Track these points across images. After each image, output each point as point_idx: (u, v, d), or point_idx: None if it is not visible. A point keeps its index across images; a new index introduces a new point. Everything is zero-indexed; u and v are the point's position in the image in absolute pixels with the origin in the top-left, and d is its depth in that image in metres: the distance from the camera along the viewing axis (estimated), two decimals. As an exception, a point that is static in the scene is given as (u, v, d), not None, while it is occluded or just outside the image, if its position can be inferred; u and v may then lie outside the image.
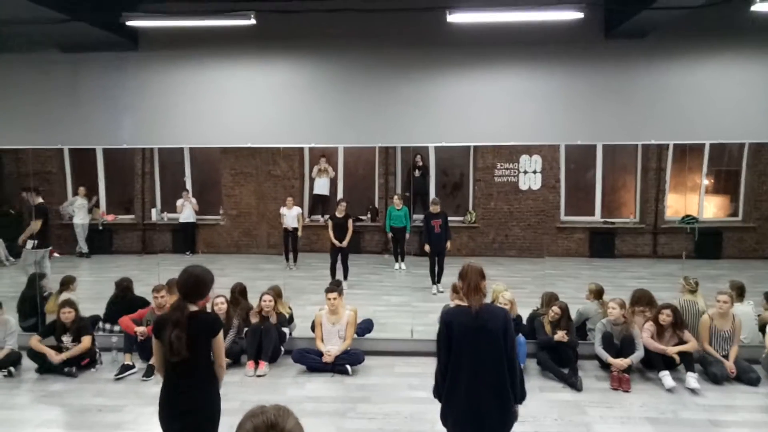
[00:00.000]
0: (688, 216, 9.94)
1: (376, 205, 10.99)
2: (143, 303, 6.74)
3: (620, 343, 5.87)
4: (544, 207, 11.00)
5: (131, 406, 5.30)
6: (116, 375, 5.95)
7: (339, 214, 9.05)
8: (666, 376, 5.60)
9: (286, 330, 6.48)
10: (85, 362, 6.11)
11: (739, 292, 6.35)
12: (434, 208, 8.80)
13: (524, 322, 6.54)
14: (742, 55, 6.42)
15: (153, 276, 6.91)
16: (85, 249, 9.93)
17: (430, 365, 6.07)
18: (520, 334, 6.05)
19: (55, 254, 8.90)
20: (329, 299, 6.20)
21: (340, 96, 6.74)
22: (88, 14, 5.85)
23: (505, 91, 6.62)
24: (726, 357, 5.83)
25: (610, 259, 10.27)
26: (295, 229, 9.62)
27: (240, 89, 6.77)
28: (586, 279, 7.15)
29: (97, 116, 6.85)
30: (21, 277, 7.64)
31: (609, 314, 5.97)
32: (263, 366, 6.05)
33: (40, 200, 7.87)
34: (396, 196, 9.81)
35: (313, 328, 6.43)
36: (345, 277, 8.85)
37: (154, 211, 10.33)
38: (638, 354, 5.78)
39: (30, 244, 7.57)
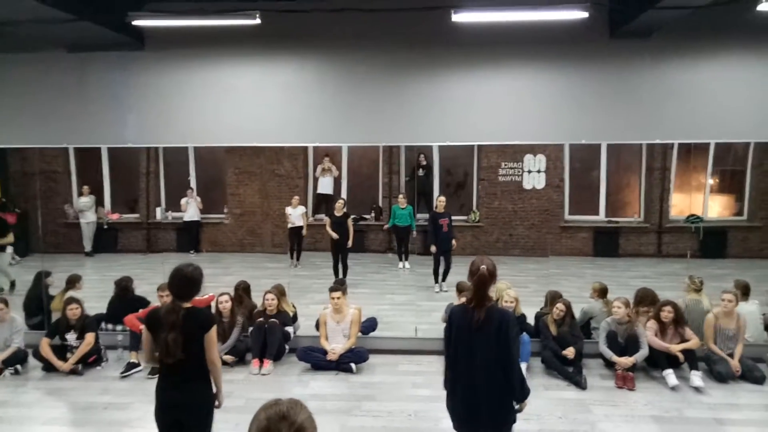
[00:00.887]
0: (692, 215, 9.92)
1: (380, 204, 11.00)
2: (143, 302, 6.77)
3: (625, 342, 5.87)
4: (548, 206, 10.98)
5: (137, 404, 5.32)
6: (122, 373, 5.98)
7: (338, 213, 9.07)
8: (670, 375, 5.60)
9: (290, 329, 6.50)
10: (92, 360, 6.14)
11: (743, 291, 6.34)
12: (440, 207, 8.79)
13: (528, 320, 6.55)
14: (747, 55, 6.42)
15: (158, 275, 6.94)
16: (88, 248, 9.97)
17: (434, 363, 6.13)
18: (524, 333, 6.07)
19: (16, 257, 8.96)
20: (333, 299, 6.22)
21: (345, 95, 6.76)
22: (94, 14, 5.88)
23: (509, 90, 6.63)
24: (731, 356, 5.83)
25: (615, 259, 10.25)
26: (300, 228, 9.66)
27: (245, 89, 6.80)
28: (590, 278, 7.15)
29: (103, 116, 6.89)
30: (27, 275, 7.68)
31: (614, 313, 5.97)
32: (268, 364, 6.07)
33: None
34: (401, 195, 9.82)
35: (317, 327, 6.45)
36: (344, 275, 8.87)
37: (158, 210, 10.36)
38: (643, 352, 5.78)
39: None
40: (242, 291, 6.83)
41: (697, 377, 5.56)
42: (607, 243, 10.45)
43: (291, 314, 6.71)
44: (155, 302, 6.54)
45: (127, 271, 7.47)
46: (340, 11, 6.17)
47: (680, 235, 10.04)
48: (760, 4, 5.34)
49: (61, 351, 6.09)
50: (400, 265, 9.96)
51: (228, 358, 6.09)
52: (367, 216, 10.87)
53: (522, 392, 3.40)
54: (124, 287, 6.91)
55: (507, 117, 6.63)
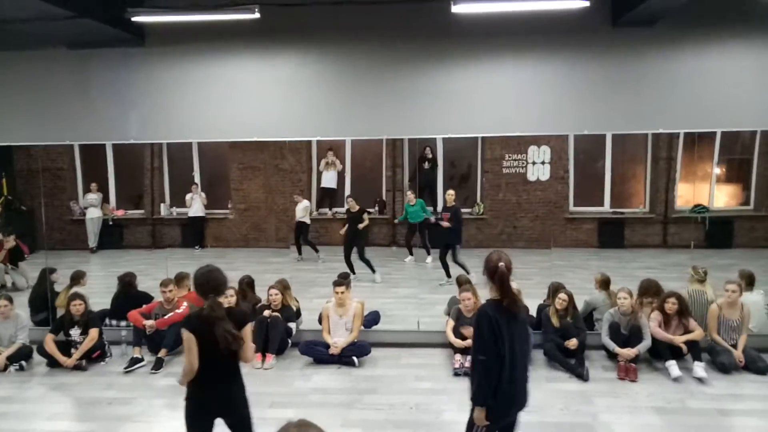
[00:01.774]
0: (698, 205, 9.84)
1: (384, 197, 10.98)
2: (146, 298, 6.82)
3: (628, 333, 5.84)
4: (553, 198, 10.91)
5: (141, 399, 5.37)
6: (125, 368, 6.02)
7: (352, 209, 9.10)
8: (673, 366, 5.56)
9: (292, 325, 6.51)
10: (96, 355, 6.19)
11: (748, 281, 6.29)
12: (449, 201, 8.77)
13: (531, 313, 6.52)
14: (754, 42, 6.32)
15: (161, 270, 6.99)
16: (93, 244, 10.05)
17: (436, 356, 6.14)
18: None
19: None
20: (337, 293, 6.23)
21: (347, 88, 6.74)
22: (94, 11, 5.88)
23: (512, 81, 6.58)
24: (734, 346, 5.79)
25: (620, 250, 10.18)
26: (304, 222, 9.72)
27: (246, 83, 6.79)
28: (595, 270, 7.11)
29: (106, 112, 6.91)
30: (32, 272, 7.75)
31: (620, 305, 5.93)
32: (270, 359, 6.10)
33: None
34: (409, 192, 9.80)
35: (320, 321, 6.46)
36: (372, 271, 8.96)
37: (163, 205, 10.41)
38: (645, 343, 5.76)
39: None
40: (246, 286, 6.85)
41: (700, 368, 5.52)
42: (612, 234, 10.37)
43: (295, 309, 6.72)
44: (158, 298, 6.59)
45: (131, 266, 7.52)
46: (340, 4, 6.14)
47: (686, 225, 9.94)
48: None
49: (66, 347, 6.14)
50: (407, 258, 9.95)
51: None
52: (371, 210, 10.86)
53: (474, 391, 3.25)
54: (127, 283, 6.96)
55: (510, 108, 6.59)
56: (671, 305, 5.82)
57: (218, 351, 3.29)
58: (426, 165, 10.48)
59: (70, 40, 6.79)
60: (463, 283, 6.62)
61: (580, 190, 10.84)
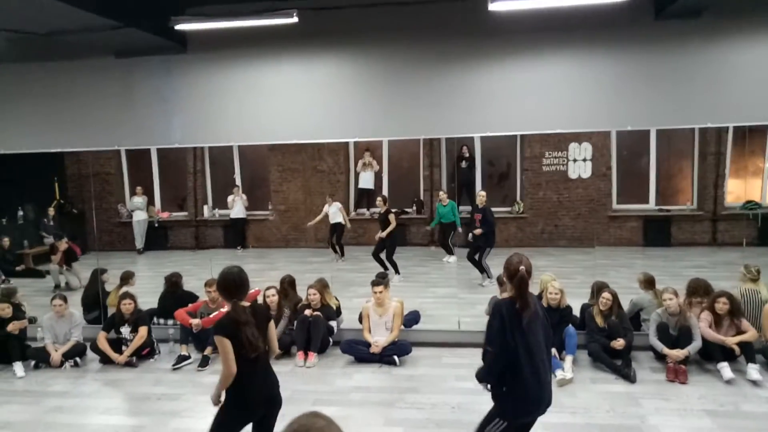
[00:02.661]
0: (750, 201, 9.47)
1: (422, 197, 10.97)
2: (192, 297, 6.99)
3: (677, 334, 5.67)
4: (595, 195, 10.68)
5: (188, 395, 5.51)
6: (173, 365, 6.20)
7: (381, 210, 9.15)
8: (725, 368, 5.38)
9: (333, 323, 6.57)
10: (145, 352, 6.41)
11: (805, 280, 6.02)
12: (480, 201, 8.70)
13: (574, 312, 6.41)
14: (806, 30, 6.05)
15: (206, 271, 7.15)
16: (140, 245, 10.37)
17: (477, 356, 6.04)
18: (570, 325, 5.95)
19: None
20: (375, 293, 6.26)
21: (384, 89, 6.76)
22: (139, 20, 6.09)
23: (551, 78, 6.47)
24: (792, 348, 5.55)
25: (666, 248, 9.89)
26: (337, 224, 9.78)
27: (285, 87, 6.89)
28: (640, 269, 6.92)
29: (150, 118, 7.13)
30: (84, 273, 8.05)
31: (667, 306, 5.76)
32: (312, 357, 6.17)
33: None
34: (442, 192, 9.75)
35: (360, 320, 6.51)
36: (396, 271, 8.96)
37: (206, 207, 10.66)
38: (696, 344, 5.58)
39: None
40: (287, 285, 6.95)
41: (754, 370, 5.32)
42: (657, 232, 10.08)
43: (335, 307, 6.79)
44: (203, 297, 6.76)
45: (176, 267, 7.72)
46: (376, 5, 6.16)
47: (737, 222, 9.59)
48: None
49: (117, 344, 6.38)
50: (445, 258, 9.91)
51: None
52: (409, 210, 10.86)
53: (483, 372, 3.58)
54: (174, 283, 7.16)
55: (550, 105, 6.48)
56: (722, 305, 5.63)
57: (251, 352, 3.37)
58: (464, 164, 10.42)
59: (116, 49, 7.03)
60: (504, 282, 6.54)
61: (624, 187, 10.57)
